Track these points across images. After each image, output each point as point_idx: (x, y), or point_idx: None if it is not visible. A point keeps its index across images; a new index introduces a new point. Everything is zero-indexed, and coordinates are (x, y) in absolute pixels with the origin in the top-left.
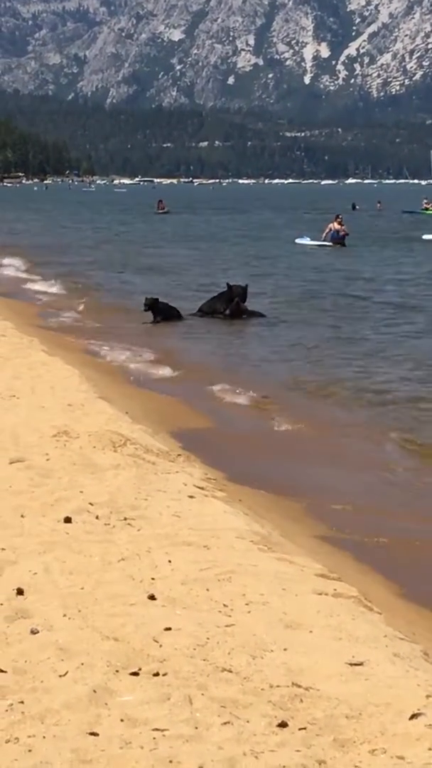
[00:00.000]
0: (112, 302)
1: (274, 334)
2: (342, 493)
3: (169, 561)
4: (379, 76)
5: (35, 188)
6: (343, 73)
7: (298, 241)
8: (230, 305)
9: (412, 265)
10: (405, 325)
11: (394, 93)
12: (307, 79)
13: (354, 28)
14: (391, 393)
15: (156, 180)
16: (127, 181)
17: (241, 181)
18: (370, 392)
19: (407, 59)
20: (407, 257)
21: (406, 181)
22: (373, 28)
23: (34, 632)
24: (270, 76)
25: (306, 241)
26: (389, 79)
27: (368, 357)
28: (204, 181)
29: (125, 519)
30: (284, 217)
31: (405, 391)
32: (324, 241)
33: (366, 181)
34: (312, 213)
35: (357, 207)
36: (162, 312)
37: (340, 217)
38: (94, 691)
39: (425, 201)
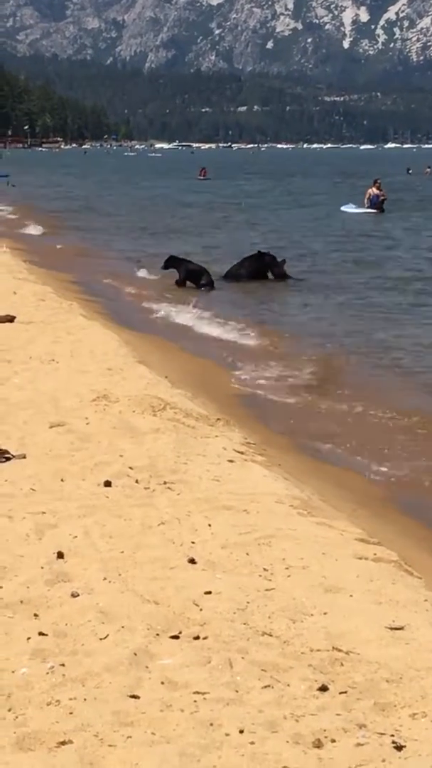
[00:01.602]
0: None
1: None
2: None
3: (209, 525)
4: (418, 40)
5: (85, 152)
6: (382, 38)
7: (343, 208)
8: (275, 270)
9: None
10: None
11: None
12: (346, 44)
13: None
14: None
15: (195, 145)
16: (165, 145)
17: (279, 145)
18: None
19: None
20: None
21: None
22: None
23: (74, 595)
24: (309, 40)
25: (351, 208)
26: (429, 43)
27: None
28: (243, 146)
29: (165, 483)
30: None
31: None
32: (366, 207)
33: (405, 146)
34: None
35: (411, 171)
36: (189, 273)
37: (378, 181)
38: (135, 654)
39: None
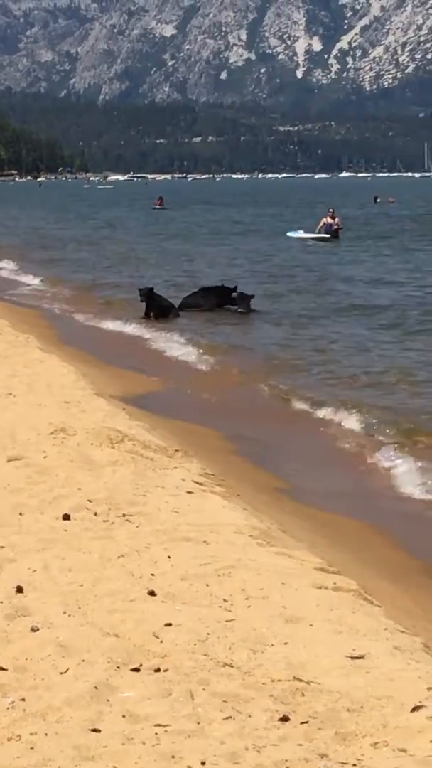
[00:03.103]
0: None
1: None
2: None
3: (169, 557)
4: (371, 69)
5: (40, 184)
6: (335, 67)
7: (290, 234)
8: (241, 303)
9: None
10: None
11: (386, 86)
12: (299, 73)
13: (346, 21)
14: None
15: (149, 176)
16: (120, 177)
17: (234, 175)
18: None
19: (399, 52)
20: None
21: (400, 174)
22: (365, 21)
23: (34, 630)
24: (262, 70)
25: (299, 234)
26: (382, 72)
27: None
28: (198, 177)
29: (124, 515)
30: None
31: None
32: (318, 233)
33: (360, 175)
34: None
35: (379, 200)
36: (157, 307)
37: (332, 210)
38: (96, 688)
39: None
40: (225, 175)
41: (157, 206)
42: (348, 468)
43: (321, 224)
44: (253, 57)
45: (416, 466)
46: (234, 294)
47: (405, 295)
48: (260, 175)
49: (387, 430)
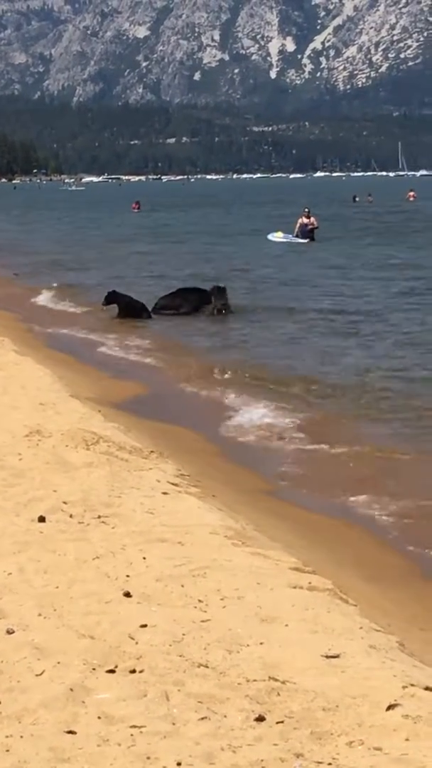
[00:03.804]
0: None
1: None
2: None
3: (144, 558)
4: (344, 69)
5: (14, 187)
6: (309, 67)
7: (270, 237)
8: (218, 306)
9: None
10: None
11: (360, 86)
12: (273, 74)
13: (319, 21)
14: None
15: (124, 177)
16: (95, 178)
17: (209, 176)
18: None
19: (373, 52)
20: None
21: (375, 173)
22: (338, 21)
23: (9, 632)
24: (236, 71)
25: (279, 238)
26: (355, 72)
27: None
28: (172, 178)
29: (99, 517)
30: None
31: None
32: (295, 236)
33: (334, 174)
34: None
35: (357, 199)
36: (126, 307)
37: (308, 210)
38: (71, 690)
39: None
40: (200, 176)
41: (135, 210)
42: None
43: (297, 224)
44: (226, 58)
45: None
46: (210, 289)
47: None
48: (235, 176)
49: None
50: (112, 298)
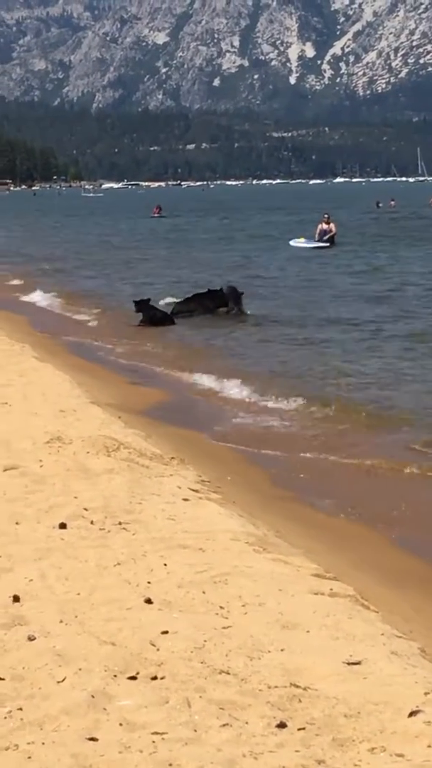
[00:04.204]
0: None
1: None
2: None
3: (165, 564)
4: (364, 74)
5: (34, 193)
6: (328, 73)
7: (292, 243)
8: (232, 305)
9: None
10: None
11: (380, 91)
12: (292, 79)
13: (338, 27)
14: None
15: (144, 183)
16: (114, 185)
17: (228, 182)
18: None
19: (392, 57)
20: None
21: (395, 179)
22: (357, 26)
23: (31, 639)
24: (255, 77)
25: (300, 243)
26: (375, 77)
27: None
28: (192, 184)
29: (120, 523)
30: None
31: None
32: (317, 241)
33: (354, 180)
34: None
35: (380, 204)
36: (152, 317)
37: (327, 215)
38: (93, 697)
39: None
40: (219, 181)
41: (156, 215)
42: None
43: (318, 230)
44: (246, 63)
45: None
46: (223, 290)
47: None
48: (254, 182)
49: None
50: (140, 305)
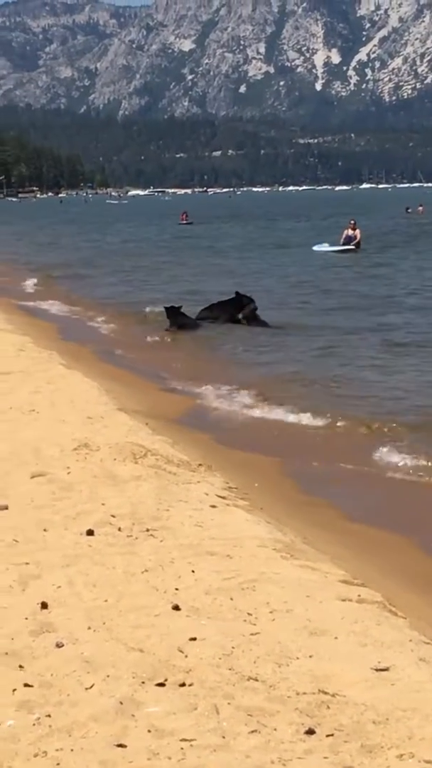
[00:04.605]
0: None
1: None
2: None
3: (193, 571)
4: (390, 80)
5: (61, 201)
6: (354, 79)
7: (315, 248)
8: (244, 312)
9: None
10: None
11: (405, 97)
12: (318, 86)
13: (364, 33)
14: None
15: (170, 190)
16: (141, 192)
17: (255, 189)
18: None
19: (418, 63)
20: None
21: (421, 184)
22: (383, 32)
23: (59, 646)
24: (281, 83)
25: (324, 247)
26: (401, 83)
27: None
28: (218, 191)
29: (147, 530)
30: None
31: None
32: (341, 245)
33: (380, 186)
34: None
35: (410, 210)
36: (179, 323)
37: (353, 221)
38: (121, 703)
39: None
40: (245, 188)
41: (183, 221)
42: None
43: (343, 236)
44: (272, 70)
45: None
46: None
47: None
48: (280, 188)
49: None
50: (171, 312)
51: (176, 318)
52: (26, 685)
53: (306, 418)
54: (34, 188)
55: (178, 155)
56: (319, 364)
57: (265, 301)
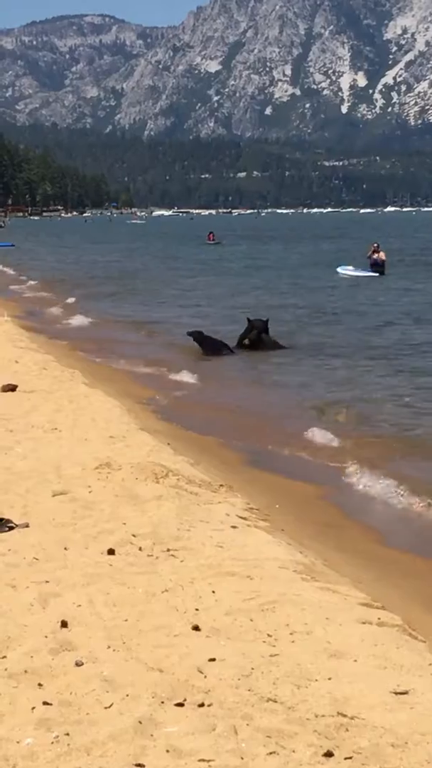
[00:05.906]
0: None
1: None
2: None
3: (213, 591)
4: (416, 104)
5: (86, 220)
6: (380, 102)
7: (340, 270)
8: (250, 336)
9: None
10: None
11: (431, 120)
12: (344, 108)
13: (390, 56)
14: None
15: (194, 211)
16: (165, 212)
17: (279, 210)
18: None
19: None
20: None
21: None
22: (409, 56)
23: (78, 664)
24: (307, 105)
25: (349, 271)
26: (426, 107)
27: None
28: (243, 212)
29: (168, 550)
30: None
31: None
32: (366, 269)
33: (405, 209)
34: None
35: None
36: (210, 346)
37: (377, 244)
38: (140, 723)
39: None
40: (270, 210)
41: (210, 241)
42: None
43: (369, 259)
44: (297, 92)
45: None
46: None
47: None
48: (305, 210)
49: None
50: (196, 337)
51: (206, 342)
52: (45, 703)
53: (329, 439)
54: (59, 207)
55: (203, 176)
56: (346, 384)
57: (286, 321)
